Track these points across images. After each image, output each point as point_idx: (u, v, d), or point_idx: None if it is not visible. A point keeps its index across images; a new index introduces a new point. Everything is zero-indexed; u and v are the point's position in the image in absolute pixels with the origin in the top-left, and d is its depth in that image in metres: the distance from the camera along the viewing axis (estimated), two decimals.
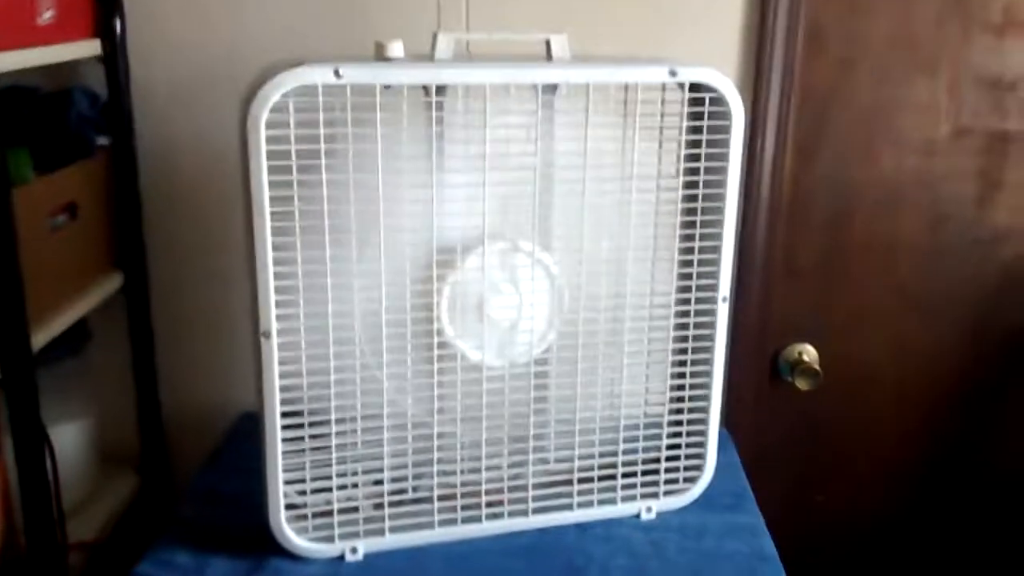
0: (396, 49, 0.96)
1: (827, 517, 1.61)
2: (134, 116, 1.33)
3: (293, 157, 0.92)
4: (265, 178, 0.91)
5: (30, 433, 1.07)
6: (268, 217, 0.92)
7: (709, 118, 1.02)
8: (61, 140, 1.26)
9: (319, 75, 0.90)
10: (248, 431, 1.35)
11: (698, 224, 1.05)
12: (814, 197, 1.45)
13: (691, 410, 1.12)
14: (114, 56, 1.29)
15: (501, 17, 1.32)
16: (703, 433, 1.12)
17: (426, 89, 0.97)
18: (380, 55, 0.96)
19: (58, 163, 1.22)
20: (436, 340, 1.02)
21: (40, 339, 1.11)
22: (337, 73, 0.91)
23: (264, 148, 0.90)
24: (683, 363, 1.10)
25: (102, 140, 1.30)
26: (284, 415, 0.98)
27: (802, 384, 1.48)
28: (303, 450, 1.01)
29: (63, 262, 1.21)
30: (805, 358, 1.50)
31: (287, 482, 1.00)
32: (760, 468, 1.32)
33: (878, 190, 1.45)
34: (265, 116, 0.89)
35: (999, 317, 1.51)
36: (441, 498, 1.06)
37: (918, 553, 1.63)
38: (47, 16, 1.15)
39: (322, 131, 0.92)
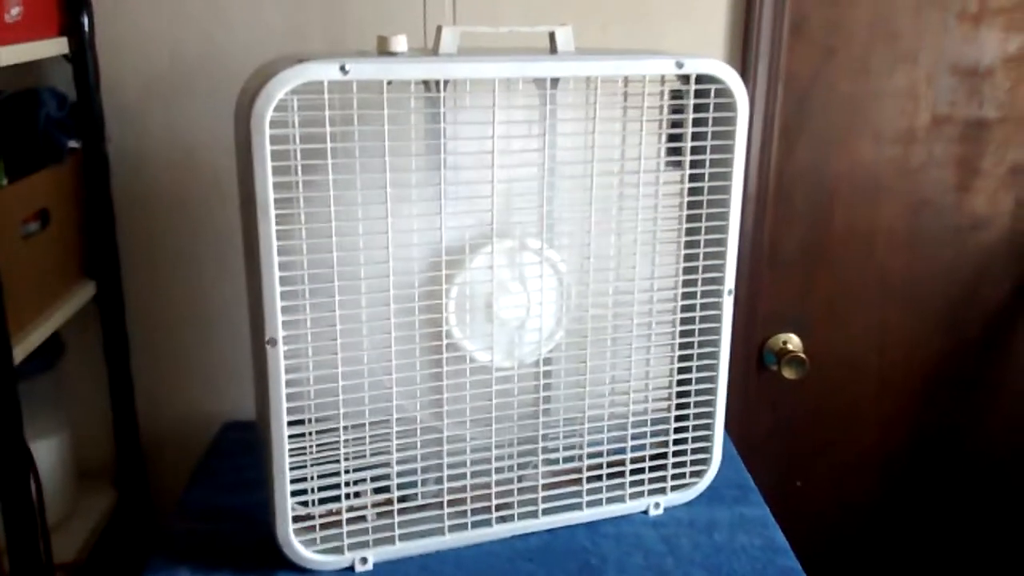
0: (400, 43, 0.93)
1: (808, 505, 1.62)
2: (105, 117, 1.27)
3: (297, 156, 0.89)
4: (270, 179, 0.87)
5: (13, 452, 1.02)
6: (273, 220, 0.88)
7: (714, 110, 1.01)
8: (29, 144, 1.20)
9: (325, 71, 0.87)
10: (235, 441, 1.31)
11: (703, 217, 1.04)
12: (796, 186, 1.45)
13: (696, 404, 1.11)
14: (83, 54, 1.23)
15: (485, 9, 1.30)
16: (709, 427, 1.11)
17: (427, 84, 0.94)
18: (383, 49, 0.93)
19: (26, 167, 1.16)
20: (445, 342, 0.99)
21: (18, 354, 1.05)
22: (343, 69, 0.87)
23: (268, 148, 0.86)
24: (688, 357, 1.09)
25: (72, 143, 1.24)
26: (290, 424, 0.95)
27: (789, 373, 1.48)
28: (307, 460, 0.97)
29: (36, 273, 1.16)
30: (790, 347, 1.50)
31: (293, 493, 0.97)
32: (746, 458, 1.32)
33: (858, 179, 1.46)
34: (270, 114, 0.85)
35: (977, 303, 1.53)
36: (450, 503, 1.03)
37: (898, 539, 1.65)
38: (14, 13, 1.09)
39: (328, 129, 0.89)
